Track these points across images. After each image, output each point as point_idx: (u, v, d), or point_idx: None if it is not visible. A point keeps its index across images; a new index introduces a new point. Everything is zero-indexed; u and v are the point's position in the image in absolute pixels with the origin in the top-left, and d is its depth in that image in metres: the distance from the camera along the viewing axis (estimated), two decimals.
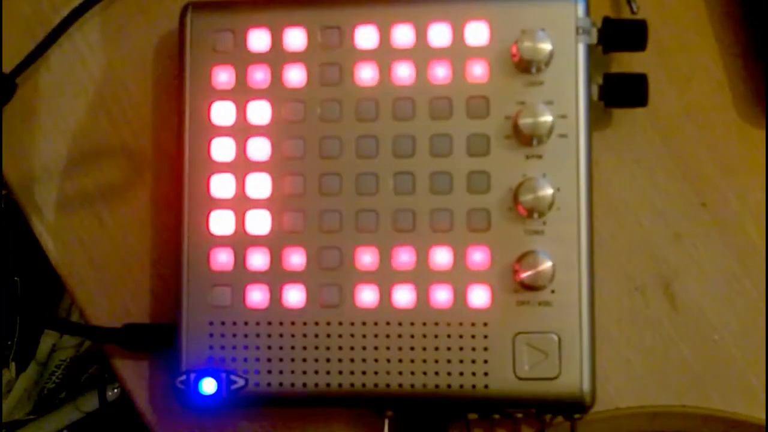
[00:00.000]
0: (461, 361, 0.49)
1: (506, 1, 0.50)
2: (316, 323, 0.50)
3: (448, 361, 0.49)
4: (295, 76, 0.51)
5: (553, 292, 0.48)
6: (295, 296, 0.50)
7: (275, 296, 0.50)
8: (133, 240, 0.55)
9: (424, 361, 0.49)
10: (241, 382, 0.50)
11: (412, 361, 0.49)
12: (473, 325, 0.49)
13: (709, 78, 0.53)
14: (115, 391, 1.06)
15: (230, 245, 0.51)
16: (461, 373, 0.49)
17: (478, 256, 0.49)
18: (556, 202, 0.49)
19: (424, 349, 0.49)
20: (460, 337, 0.49)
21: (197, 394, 0.50)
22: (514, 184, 0.49)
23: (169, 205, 0.54)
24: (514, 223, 0.49)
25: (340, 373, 0.49)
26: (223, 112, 0.51)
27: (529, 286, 0.48)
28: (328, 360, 0.49)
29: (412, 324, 0.49)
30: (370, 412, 0.52)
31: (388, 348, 0.49)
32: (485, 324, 0.49)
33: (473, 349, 0.49)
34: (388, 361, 0.49)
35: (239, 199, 0.51)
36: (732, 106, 0.53)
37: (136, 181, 0.56)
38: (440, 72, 0.50)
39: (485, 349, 0.49)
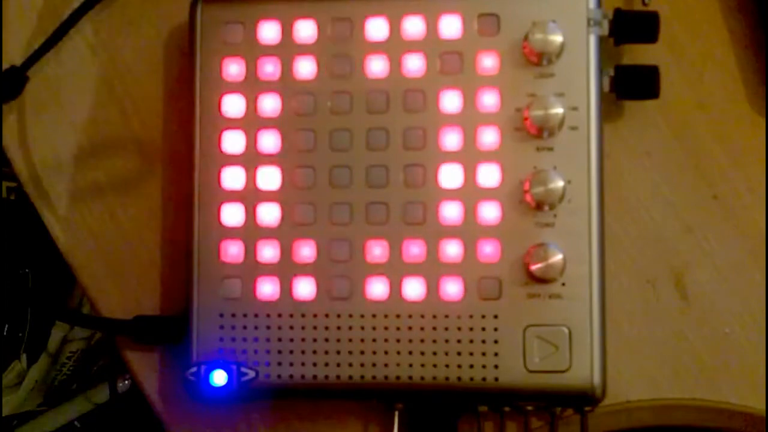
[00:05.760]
0: (471, 354, 0.49)
1: None
2: (327, 315, 0.50)
3: (459, 354, 0.49)
4: (306, 68, 0.51)
5: (563, 284, 0.48)
6: (305, 288, 0.50)
7: (285, 288, 0.50)
8: (143, 232, 0.55)
9: (435, 353, 0.49)
10: (251, 374, 0.50)
11: (423, 353, 0.49)
12: (483, 317, 0.49)
13: (722, 70, 0.53)
14: (126, 383, 1.06)
15: (240, 237, 0.51)
16: (471, 366, 0.49)
17: (489, 249, 0.49)
18: (567, 194, 0.48)
19: (435, 341, 0.49)
20: (471, 329, 0.49)
21: (208, 386, 0.50)
22: (524, 177, 0.49)
23: (179, 198, 0.54)
24: (524, 215, 0.49)
25: (351, 365, 0.49)
26: (233, 105, 0.51)
27: (539, 279, 0.48)
28: (338, 352, 0.49)
29: (422, 316, 0.49)
30: (380, 404, 0.52)
31: (398, 340, 0.49)
32: (495, 317, 0.49)
33: (483, 341, 0.49)
34: (398, 353, 0.49)
35: (250, 191, 0.51)
36: (744, 99, 0.53)
37: (147, 174, 0.56)
38: (451, 64, 0.50)
39: (495, 341, 0.49)
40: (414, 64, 0.50)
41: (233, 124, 0.51)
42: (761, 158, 0.52)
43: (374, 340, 0.49)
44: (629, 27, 0.50)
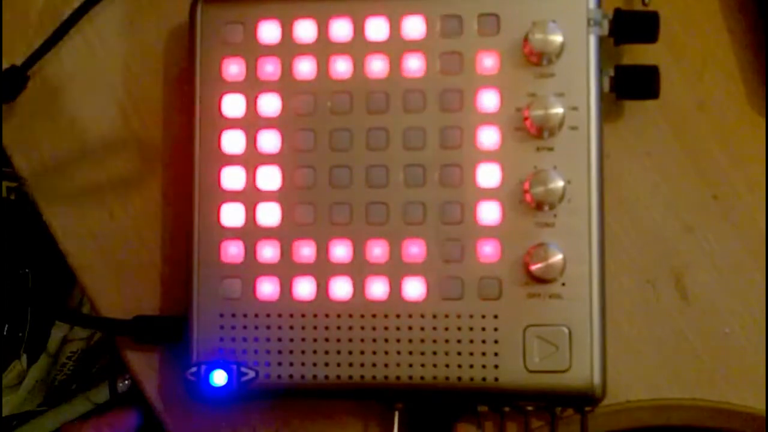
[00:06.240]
0: (471, 354, 0.49)
1: None
2: (327, 315, 0.50)
3: (459, 354, 0.49)
4: (306, 68, 0.51)
5: (563, 284, 0.48)
6: (305, 288, 0.50)
7: (285, 288, 0.50)
8: (143, 232, 0.55)
9: (435, 353, 0.49)
10: (251, 374, 0.50)
11: (422, 353, 0.49)
12: (483, 317, 0.49)
13: (721, 70, 0.53)
14: (126, 383, 1.06)
15: (241, 237, 0.51)
16: (471, 366, 0.49)
17: (489, 249, 0.49)
18: (567, 194, 0.48)
19: (435, 341, 0.49)
20: (471, 329, 0.49)
21: (208, 386, 0.50)
22: (524, 176, 0.49)
23: (179, 198, 0.54)
24: (524, 215, 0.49)
25: (351, 365, 0.49)
26: (233, 105, 0.51)
27: (539, 279, 0.48)
28: (338, 352, 0.49)
29: (422, 316, 0.49)
30: (380, 404, 0.52)
31: (398, 340, 0.49)
32: (495, 316, 0.49)
33: (483, 341, 0.49)
34: (398, 353, 0.49)
35: (250, 191, 0.51)
36: (744, 99, 0.53)
37: (147, 174, 0.56)
38: (451, 64, 0.50)
39: (495, 341, 0.49)
40: (414, 64, 0.50)
41: (233, 124, 0.51)
42: (761, 158, 0.52)
43: (374, 340, 0.49)
44: (629, 27, 0.50)
